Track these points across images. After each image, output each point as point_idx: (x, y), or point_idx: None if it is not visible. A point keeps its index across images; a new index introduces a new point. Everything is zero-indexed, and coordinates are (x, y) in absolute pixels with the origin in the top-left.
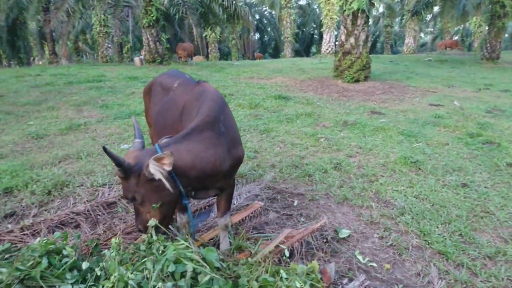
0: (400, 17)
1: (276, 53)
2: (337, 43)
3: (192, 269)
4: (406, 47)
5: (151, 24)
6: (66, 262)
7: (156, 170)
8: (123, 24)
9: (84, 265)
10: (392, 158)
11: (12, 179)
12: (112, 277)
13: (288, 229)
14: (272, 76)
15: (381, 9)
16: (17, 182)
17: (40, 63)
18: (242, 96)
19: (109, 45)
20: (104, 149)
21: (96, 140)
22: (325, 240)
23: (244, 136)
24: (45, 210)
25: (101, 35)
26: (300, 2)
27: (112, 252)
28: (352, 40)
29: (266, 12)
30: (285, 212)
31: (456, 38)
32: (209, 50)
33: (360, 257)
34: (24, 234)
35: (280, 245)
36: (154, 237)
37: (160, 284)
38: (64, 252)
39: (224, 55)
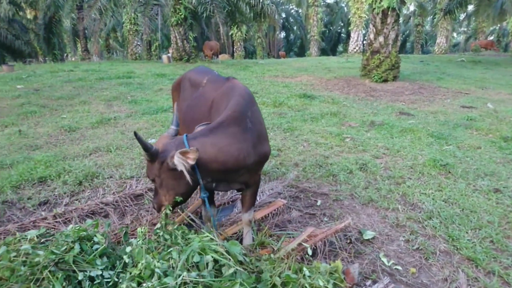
0: (432, 16)
1: (301, 52)
2: (365, 42)
3: (215, 260)
4: (438, 47)
5: (179, 22)
6: (96, 249)
7: (180, 163)
8: (152, 22)
9: (125, 250)
10: (420, 160)
11: (46, 169)
12: (139, 265)
13: (311, 227)
14: (297, 75)
15: (412, 8)
16: (50, 172)
17: (73, 59)
18: (267, 95)
19: (139, 43)
20: (135, 134)
21: (125, 134)
22: (348, 241)
23: (267, 134)
24: (76, 200)
25: (131, 33)
26: (328, 0)
27: (139, 241)
28: (381, 39)
29: (292, 11)
30: (308, 211)
31: (491, 38)
32: (234, 49)
33: (384, 260)
34: (56, 222)
35: (303, 243)
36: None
37: (185, 273)
38: (95, 239)
39: (249, 54)
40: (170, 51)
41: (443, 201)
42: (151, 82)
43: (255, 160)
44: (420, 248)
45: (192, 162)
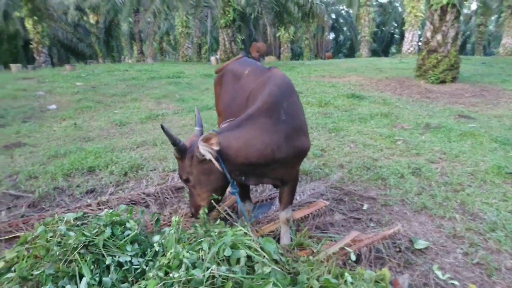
0: (497, 15)
1: (351, 54)
2: (421, 41)
3: (248, 256)
4: (503, 48)
5: (227, 24)
6: (128, 235)
7: (205, 150)
8: (202, 24)
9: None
10: (482, 167)
11: (96, 160)
12: (168, 254)
13: (355, 232)
14: (345, 75)
15: (473, 6)
16: (99, 163)
17: (129, 61)
18: (312, 94)
19: (189, 45)
20: (162, 127)
21: (171, 130)
22: (397, 250)
23: (310, 134)
24: (121, 189)
25: (182, 35)
26: (381, 0)
27: (171, 230)
28: (439, 37)
29: (343, 11)
30: (352, 215)
31: None
32: (281, 50)
33: (439, 273)
34: (99, 209)
35: (346, 248)
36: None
37: (214, 266)
38: (127, 225)
39: (296, 56)
40: (218, 53)
41: (509, 212)
42: (198, 82)
43: (288, 154)
44: (481, 262)
45: (216, 148)
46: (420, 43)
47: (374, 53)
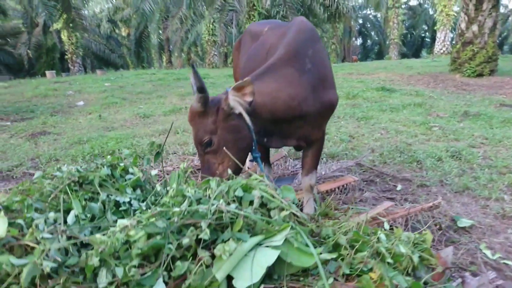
0: None
1: (379, 58)
2: (454, 40)
3: (262, 197)
4: None
5: None
6: (129, 179)
7: (236, 102)
8: (227, 31)
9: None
10: None
11: (116, 144)
12: (171, 190)
13: (389, 202)
14: (374, 72)
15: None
16: (119, 147)
17: None
18: (339, 88)
19: (215, 53)
20: (193, 66)
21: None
22: (438, 227)
23: (337, 123)
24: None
25: (209, 43)
26: (411, 3)
27: (178, 172)
28: (474, 27)
29: (370, 16)
30: (385, 195)
31: None
32: None
33: (487, 252)
34: None
35: (379, 217)
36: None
37: (221, 201)
38: (130, 170)
39: None
40: None
41: None
42: (223, 82)
43: (316, 108)
44: None
45: (249, 99)
46: (453, 43)
47: (403, 56)
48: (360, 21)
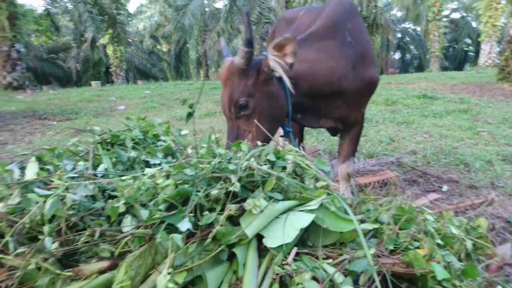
0: None
1: (419, 72)
2: (504, 40)
3: (295, 163)
4: None
5: None
6: (161, 145)
7: (276, 63)
8: (263, 45)
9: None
10: None
11: None
12: (201, 151)
13: (435, 194)
14: (414, 82)
15: None
16: None
17: None
18: (377, 96)
19: None
20: (247, 14)
21: (223, 124)
22: (491, 227)
23: (376, 127)
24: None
25: None
26: (452, 15)
27: (208, 134)
28: None
29: (409, 29)
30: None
31: None
32: None
33: None
34: None
35: (425, 208)
36: None
37: (252, 159)
38: (162, 138)
39: None
40: None
41: None
42: None
43: (355, 86)
44: None
45: (290, 60)
46: (500, 51)
47: (445, 70)
48: (399, 34)
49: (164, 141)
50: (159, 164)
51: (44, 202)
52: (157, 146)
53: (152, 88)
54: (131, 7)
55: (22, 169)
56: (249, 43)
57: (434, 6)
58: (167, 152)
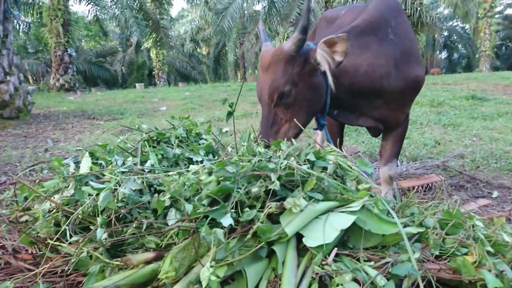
0: None
1: (468, 72)
2: None
3: (336, 164)
4: None
5: None
6: (203, 143)
7: (324, 59)
8: None
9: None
10: None
11: None
12: (241, 149)
13: (485, 200)
14: (462, 82)
15: None
16: None
17: None
18: (421, 96)
19: None
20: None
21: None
22: None
23: (420, 129)
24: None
25: None
26: (506, 12)
27: (248, 132)
28: None
29: (457, 27)
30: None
31: None
32: None
33: None
34: None
35: (472, 214)
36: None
37: (291, 159)
38: (204, 136)
39: None
40: None
41: None
42: None
43: (399, 86)
44: None
45: (340, 58)
46: None
47: (496, 70)
48: (446, 33)
49: (205, 139)
50: (201, 162)
51: (97, 195)
52: (199, 144)
53: (192, 90)
54: (174, 12)
55: (77, 163)
56: (304, 30)
57: (486, 2)
58: (209, 150)
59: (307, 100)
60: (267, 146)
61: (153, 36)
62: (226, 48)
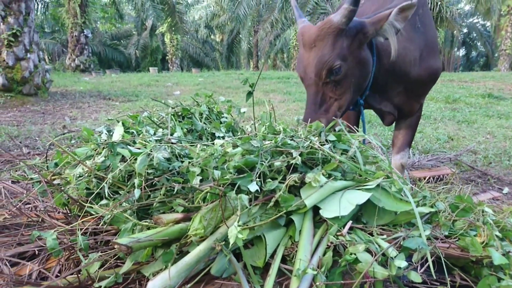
0: None
1: (484, 71)
2: None
3: (359, 149)
4: None
5: None
6: (224, 122)
7: (392, 28)
8: None
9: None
10: None
11: None
12: (263, 127)
13: (495, 192)
14: (479, 81)
15: None
16: None
17: None
18: (436, 92)
19: None
20: None
21: (275, 110)
22: None
23: (434, 124)
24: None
25: (296, 49)
26: None
27: (269, 111)
28: None
29: (477, 24)
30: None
31: None
32: None
33: None
34: None
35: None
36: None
37: (315, 139)
38: (225, 115)
39: None
40: None
41: None
42: None
43: (419, 73)
44: None
45: (400, 25)
46: None
47: None
48: (465, 30)
49: (226, 117)
50: (223, 137)
51: (130, 159)
52: (221, 122)
53: (205, 76)
54: None
55: (109, 131)
56: (356, 2)
57: None
58: (229, 128)
59: (356, 76)
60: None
61: (168, 20)
62: (240, 35)
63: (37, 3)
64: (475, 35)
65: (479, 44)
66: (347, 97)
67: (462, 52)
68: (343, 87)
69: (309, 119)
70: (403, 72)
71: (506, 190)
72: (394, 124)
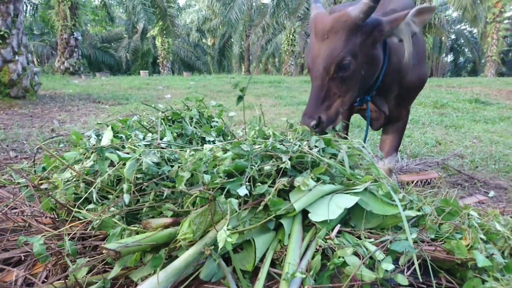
0: None
1: (472, 77)
2: None
3: (347, 152)
4: None
5: None
6: (215, 126)
7: (408, 28)
8: (307, 41)
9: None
10: None
11: None
12: (252, 131)
13: (482, 196)
14: (466, 86)
15: None
16: None
17: None
18: (424, 98)
19: (292, 63)
20: None
21: (264, 115)
22: None
23: (422, 129)
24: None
25: (287, 53)
26: None
27: (258, 116)
28: None
29: (465, 31)
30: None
31: None
32: None
33: None
34: None
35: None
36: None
37: (304, 143)
38: (215, 119)
39: None
40: None
41: None
42: (298, 86)
43: (410, 81)
44: None
45: (416, 28)
46: None
47: (501, 76)
48: (453, 36)
49: (217, 122)
50: (213, 142)
51: (119, 164)
52: (211, 127)
53: (197, 80)
54: (181, 1)
55: (98, 136)
56: None
57: (495, 7)
58: (220, 132)
59: (364, 75)
60: (322, 133)
61: (160, 23)
62: (232, 40)
63: (26, 5)
64: (462, 41)
65: (466, 50)
66: (351, 95)
67: (450, 58)
68: (349, 84)
69: (310, 115)
70: (404, 76)
71: (492, 193)
72: (381, 129)
